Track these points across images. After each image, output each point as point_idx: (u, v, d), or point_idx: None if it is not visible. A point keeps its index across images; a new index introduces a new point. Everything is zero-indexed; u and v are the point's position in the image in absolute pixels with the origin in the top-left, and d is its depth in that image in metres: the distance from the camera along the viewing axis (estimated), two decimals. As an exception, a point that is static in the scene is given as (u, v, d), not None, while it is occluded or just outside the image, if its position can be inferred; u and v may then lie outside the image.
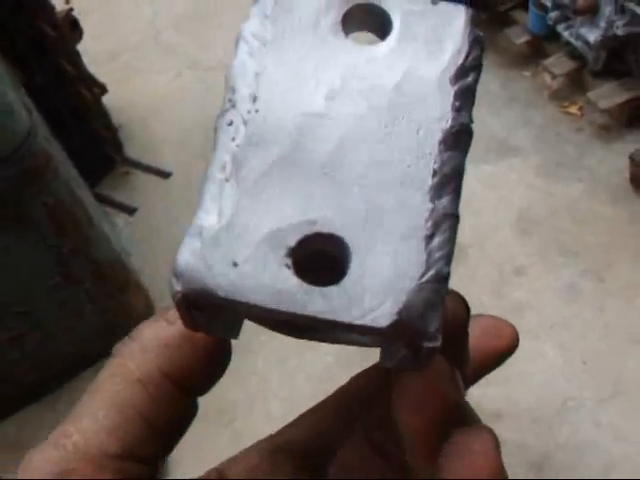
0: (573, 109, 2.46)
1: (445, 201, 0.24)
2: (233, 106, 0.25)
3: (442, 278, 0.23)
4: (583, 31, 2.30)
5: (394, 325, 0.22)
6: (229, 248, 0.23)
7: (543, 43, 2.61)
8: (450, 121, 0.25)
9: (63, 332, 1.87)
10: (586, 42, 2.30)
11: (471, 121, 0.25)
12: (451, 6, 0.26)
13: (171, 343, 0.26)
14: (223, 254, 0.23)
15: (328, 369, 1.86)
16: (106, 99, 2.62)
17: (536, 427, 1.71)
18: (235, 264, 0.23)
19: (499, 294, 1.96)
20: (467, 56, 0.26)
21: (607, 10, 2.19)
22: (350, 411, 0.32)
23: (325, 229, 0.23)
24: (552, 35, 2.52)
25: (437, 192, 0.24)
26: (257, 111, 0.24)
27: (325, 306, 0.22)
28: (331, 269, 0.24)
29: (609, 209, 2.13)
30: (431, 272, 0.23)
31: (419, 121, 0.25)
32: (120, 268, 1.96)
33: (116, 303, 1.93)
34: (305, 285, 0.23)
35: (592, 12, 2.25)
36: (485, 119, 2.46)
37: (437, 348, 0.23)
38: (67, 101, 2.32)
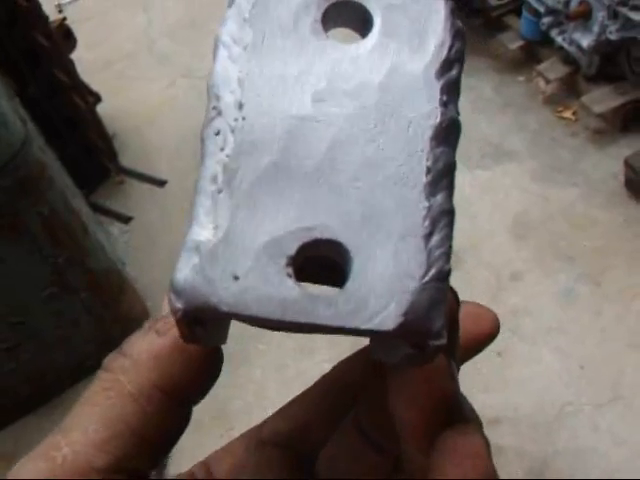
0: (567, 114, 2.46)
1: (440, 198, 0.24)
2: (219, 114, 0.24)
3: (443, 276, 0.23)
4: (576, 36, 2.31)
5: (400, 327, 0.22)
6: (228, 261, 0.23)
7: (537, 48, 2.62)
8: (439, 116, 0.25)
9: (59, 342, 1.86)
10: (579, 47, 2.31)
11: (458, 114, 0.25)
12: None
13: (162, 355, 0.26)
14: (223, 268, 0.22)
15: (325, 376, 1.85)
16: (100, 108, 2.62)
17: (534, 433, 1.71)
18: (236, 277, 0.22)
19: (496, 299, 1.96)
20: (450, 49, 0.25)
21: (600, 15, 2.20)
22: (336, 399, 0.32)
23: (323, 235, 0.23)
24: (545, 40, 2.53)
25: (432, 189, 0.24)
26: (244, 118, 0.24)
27: (331, 313, 0.22)
28: (332, 269, 0.24)
29: (604, 213, 2.14)
30: (433, 271, 0.23)
31: (408, 118, 0.24)
32: (116, 277, 1.96)
33: (112, 313, 1.93)
34: (309, 293, 0.22)
35: (585, 17, 2.26)
36: (480, 124, 2.46)
37: (443, 346, 0.23)
38: (61, 110, 2.32)
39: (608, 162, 2.26)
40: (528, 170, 2.32)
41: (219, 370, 0.27)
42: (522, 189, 2.26)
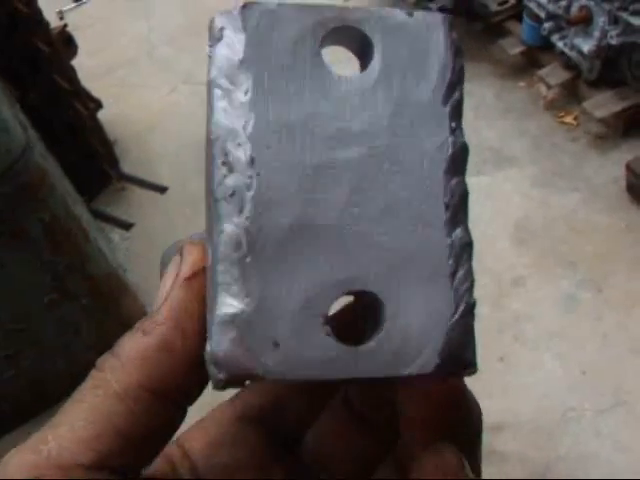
0: (569, 119, 2.46)
1: (459, 231, 0.24)
2: (231, 171, 0.23)
3: (470, 310, 0.24)
4: (577, 41, 2.31)
5: (438, 367, 0.23)
6: (266, 329, 0.22)
7: (538, 53, 2.62)
8: (450, 147, 0.24)
9: (59, 349, 1.86)
10: (580, 52, 2.31)
11: (463, 135, 0.25)
12: (428, 16, 0.25)
13: (148, 355, 0.26)
14: (262, 336, 0.22)
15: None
16: (101, 114, 2.62)
17: (537, 438, 1.70)
18: (276, 344, 0.22)
19: (498, 305, 1.95)
20: (453, 71, 0.25)
21: (600, 20, 2.20)
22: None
23: (354, 287, 0.23)
24: (546, 45, 2.53)
25: (451, 225, 0.24)
26: (259, 174, 0.23)
27: (372, 365, 0.23)
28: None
29: (606, 218, 2.13)
30: (461, 307, 0.24)
31: (421, 152, 0.24)
32: (116, 283, 1.96)
33: (112, 319, 1.92)
34: (348, 348, 0.23)
35: (585, 22, 2.26)
36: (481, 130, 2.46)
37: (474, 372, 0.24)
38: (62, 117, 2.32)
39: (609, 167, 2.26)
40: (529, 176, 2.31)
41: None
42: (523, 195, 2.26)
